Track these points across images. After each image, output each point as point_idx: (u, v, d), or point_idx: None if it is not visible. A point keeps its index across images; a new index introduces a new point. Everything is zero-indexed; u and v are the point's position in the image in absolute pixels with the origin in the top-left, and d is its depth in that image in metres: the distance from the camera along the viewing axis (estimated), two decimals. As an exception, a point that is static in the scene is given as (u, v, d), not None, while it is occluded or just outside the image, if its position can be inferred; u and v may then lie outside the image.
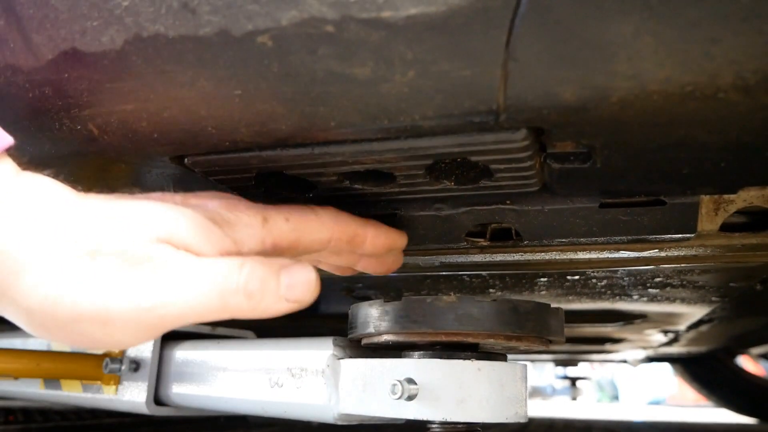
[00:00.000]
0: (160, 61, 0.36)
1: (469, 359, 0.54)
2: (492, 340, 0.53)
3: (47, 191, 0.37)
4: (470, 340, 0.54)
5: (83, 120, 0.42)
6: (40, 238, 0.36)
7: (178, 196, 0.43)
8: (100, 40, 0.36)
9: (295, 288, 0.40)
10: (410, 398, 0.52)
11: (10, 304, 0.36)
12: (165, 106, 0.39)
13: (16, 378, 0.83)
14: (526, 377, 0.57)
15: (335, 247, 0.49)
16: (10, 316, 0.37)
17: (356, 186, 0.49)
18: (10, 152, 0.37)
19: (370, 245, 0.51)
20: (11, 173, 0.37)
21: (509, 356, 0.61)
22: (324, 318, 1.22)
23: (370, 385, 0.57)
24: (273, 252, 0.45)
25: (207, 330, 0.85)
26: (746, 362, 2.54)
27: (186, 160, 0.45)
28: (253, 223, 0.43)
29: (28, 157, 0.47)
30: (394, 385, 0.53)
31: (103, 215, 0.38)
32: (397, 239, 0.53)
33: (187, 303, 0.37)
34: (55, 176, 0.49)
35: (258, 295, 0.39)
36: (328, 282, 0.81)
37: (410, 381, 0.53)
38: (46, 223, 0.36)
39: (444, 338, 0.54)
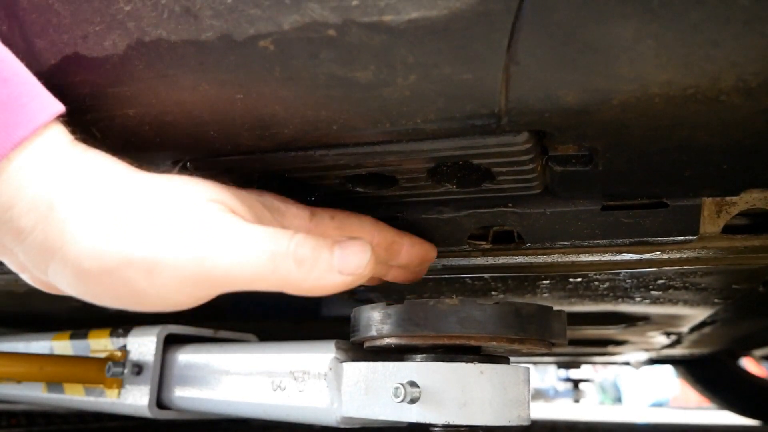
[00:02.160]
0: (162, 66, 0.36)
1: (471, 362, 0.54)
2: (494, 343, 0.53)
3: (103, 157, 0.39)
4: (473, 343, 0.54)
5: (85, 124, 0.42)
6: (94, 192, 0.37)
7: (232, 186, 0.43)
8: (102, 44, 0.36)
9: (348, 259, 0.39)
10: (413, 401, 0.52)
11: (59, 256, 0.36)
12: (167, 111, 0.39)
13: (18, 382, 0.83)
14: (528, 380, 0.57)
15: (375, 254, 0.47)
16: (55, 271, 0.37)
17: (358, 189, 0.49)
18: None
19: (406, 255, 0.52)
20: (66, 138, 0.37)
21: (512, 359, 0.61)
22: (326, 321, 1.22)
23: (372, 389, 0.57)
24: None
25: (209, 333, 0.85)
26: (749, 364, 2.53)
27: (188, 164, 0.45)
28: (302, 214, 0.45)
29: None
30: (397, 388, 0.53)
31: (158, 181, 0.39)
32: (430, 251, 0.54)
33: (237, 259, 0.37)
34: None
35: (309, 262, 0.38)
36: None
37: (413, 384, 0.53)
38: (101, 180, 0.37)
39: (446, 341, 0.54)
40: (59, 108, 0.37)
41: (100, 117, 0.41)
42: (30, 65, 0.38)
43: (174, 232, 0.37)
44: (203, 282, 0.37)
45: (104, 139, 0.43)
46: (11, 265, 0.40)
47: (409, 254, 0.52)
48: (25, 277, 0.41)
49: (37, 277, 0.40)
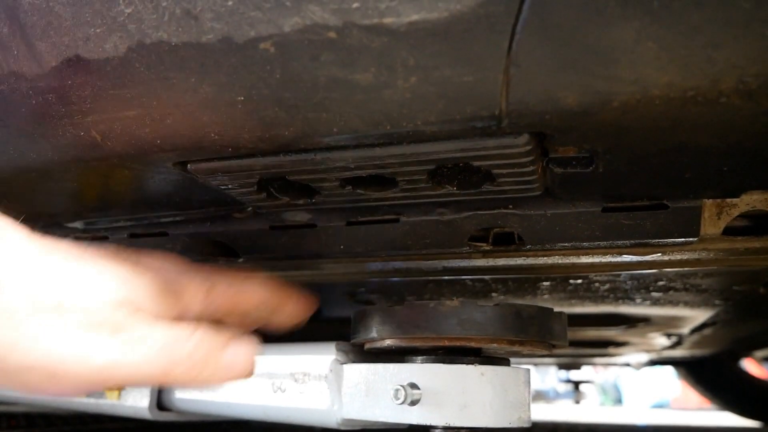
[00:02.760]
0: (163, 68, 0.36)
1: (472, 364, 0.54)
2: (495, 344, 0.53)
3: (8, 237, 0.38)
4: (473, 344, 0.54)
5: (86, 126, 0.42)
6: (2, 286, 0.36)
7: (132, 254, 0.45)
8: (103, 47, 0.36)
9: (238, 364, 0.44)
10: (413, 403, 0.52)
11: None
12: (168, 113, 0.39)
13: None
14: (529, 382, 0.57)
15: (264, 309, 0.53)
16: None
17: (359, 191, 0.49)
18: None
19: (291, 309, 0.55)
20: None
21: (512, 360, 0.61)
22: (326, 322, 1.22)
23: (373, 390, 0.57)
24: (215, 314, 0.48)
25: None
26: (750, 365, 2.53)
27: (189, 166, 0.45)
28: (200, 290, 0.47)
29: (29, 163, 0.48)
30: (397, 390, 0.53)
31: (67, 273, 0.39)
32: (313, 306, 0.57)
33: (134, 367, 0.39)
34: (58, 183, 0.49)
35: (200, 366, 0.42)
36: (330, 286, 0.81)
37: (413, 386, 0.53)
38: (7, 269, 0.37)
39: (447, 343, 0.54)
40: None
41: (100, 119, 0.41)
42: (31, 68, 0.39)
43: (80, 340, 0.38)
44: (99, 384, 0.39)
45: (105, 142, 0.43)
46: None
47: (295, 309, 0.55)
48: None
49: None
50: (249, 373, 0.45)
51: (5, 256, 0.37)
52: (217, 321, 0.52)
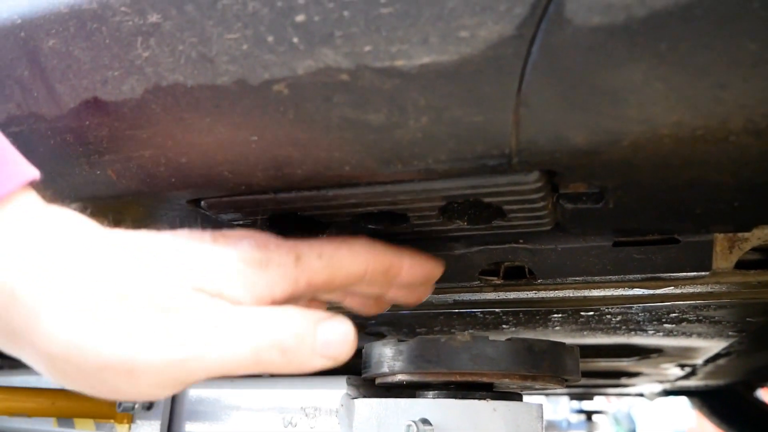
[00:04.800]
0: (179, 109, 0.37)
1: (484, 399, 0.53)
2: (507, 379, 0.53)
3: (75, 228, 0.35)
4: (485, 379, 0.54)
5: (102, 165, 0.42)
6: (65, 276, 0.33)
7: (208, 235, 0.41)
8: (120, 89, 0.37)
9: (331, 344, 0.39)
10: (425, 439, 0.52)
11: (29, 346, 0.34)
12: (183, 152, 0.40)
13: (30, 416, 0.83)
14: (542, 416, 0.56)
15: (370, 280, 0.46)
16: (28, 360, 0.35)
17: (369, 226, 0.49)
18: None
19: (407, 275, 0.47)
20: (35, 207, 0.34)
21: (524, 391, 0.60)
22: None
23: (384, 425, 0.56)
24: (307, 290, 0.43)
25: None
26: (766, 395, 2.49)
27: (202, 203, 0.46)
28: (286, 262, 0.41)
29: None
30: (409, 425, 0.52)
31: (135, 257, 0.36)
32: (434, 268, 0.50)
33: (219, 357, 0.36)
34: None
35: (293, 350, 0.38)
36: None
37: (425, 421, 0.53)
38: (72, 261, 0.34)
39: (459, 378, 0.54)
40: (31, 175, 0.34)
41: (117, 158, 0.41)
42: (50, 109, 0.39)
43: (155, 331, 0.34)
44: (184, 380, 0.36)
45: (120, 180, 0.43)
46: None
47: (411, 274, 0.47)
48: None
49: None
50: (347, 355, 0.40)
51: (75, 247, 0.35)
52: (314, 301, 0.47)
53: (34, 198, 0.35)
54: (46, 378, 0.36)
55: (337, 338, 0.39)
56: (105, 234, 0.36)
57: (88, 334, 0.33)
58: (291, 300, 0.42)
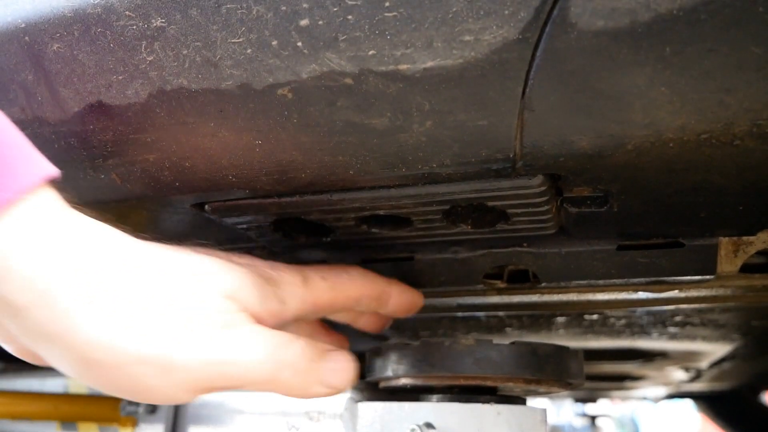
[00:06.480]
0: (183, 113, 0.37)
1: (488, 403, 0.53)
2: (511, 383, 0.53)
3: (107, 234, 0.36)
4: (489, 383, 0.53)
5: (107, 169, 0.42)
6: (102, 278, 0.34)
7: (223, 254, 0.43)
8: (125, 93, 0.37)
9: (335, 374, 0.43)
10: (429, 443, 0.52)
11: (60, 345, 0.34)
12: (187, 156, 0.40)
13: (33, 420, 0.83)
14: (545, 420, 0.56)
15: (364, 305, 0.50)
16: (54, 357, 0.35)
17: (373, 230, 0.49)
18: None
19: (394, 304, 0.52)
20: (60, 206, 0.35)
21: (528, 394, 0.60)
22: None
23: (388, 429, 0.56)
24: (312, 309, 0.46)
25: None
26: (771, 399, 2.48)
27: (206, 206, 0.46)
28: (296, 281, 0.44)
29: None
30: (413, 429, 0.52)
31: (171, 264, 0.37)
32: (417, 299, 0.54)
33: (246, 366, 0.38)
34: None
35: (303, 373, 0.40)
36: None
37: (429, 425, 0.53)
38: (105, 259, 0.35)
39: (462, 382, 0.53)
40: (51, 171, 0.34)
41: (121, 162, 0.41)
42: (54, 113, 0.39)
43: (192, 331, 0.36)
44: (211, 383, 0.37)
45: (124, 184, 0.43)
46: None
47: (398, 303, 0.53)
48: (10, 348, 0.39)
49: (27, 350, 0.38)
50: (346, 386, 0.44)
51: (110, 251, 0.35)
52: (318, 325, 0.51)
53: (55, 196, 0.35)
54: (68, 373, 0.36)
55: (341, 369, 0.43)
56: (134, 240, 0.38)
57: (123, 330, 0.34)
58: (298, 318, 0.45)
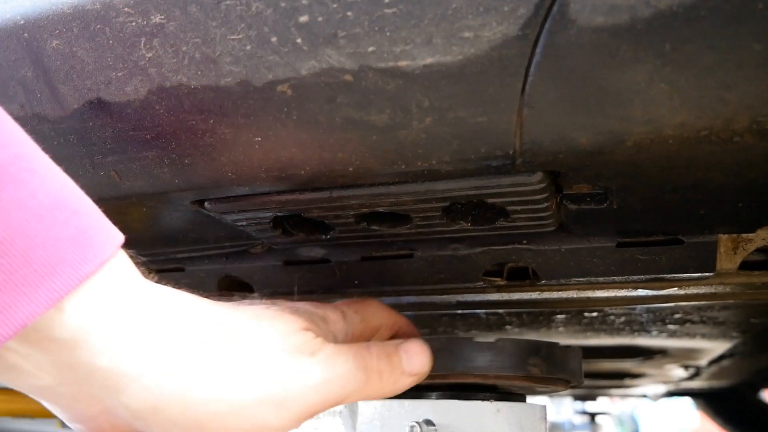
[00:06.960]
0: (182, 110, 0.37)
1: (488, 400, 0.53)
2: (510, 381, 0.53)
3: (188, 302, 0.38)
4: (489, 381, 0.54)
5: (106, 166, 0.42)
6: (196, 340, 0.36)
7: (280, 301, 0.46)
8: (124, 90, 0.37)
9: (414, 361, 0.46)
10: (429, 440, 0.52)
11: (173, 411, 0.35)
12: (186, 153, 0.40)
13: (33, 418, 0.83)
14: (545, 418, 0.56)
15: (384, 335, 0.53)
16: (158, 426, 0.35)
17: (373, 227, 0.49)
18: None
19: (403, 333, 0.55)
20: (134, 274, 0.35)
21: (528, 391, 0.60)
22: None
23: (387, 426, 0.56)
24: (350, 341, 0.49)
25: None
26: (770, 397, 2.48)
27: (206, 204, 0.46)
28: (338, 318, 0.48)
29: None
30: (413, 426, 0.52)
31: (252, 315, 0.40)
32: (417, 332, 0.57)
33: (343, 381, 0.41)
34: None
35: (387, 372, 0.44)
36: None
37: (429, 422, 0.53)
38: (196, 326, 0.37)
39: (462, 379, 0.54)
40: (121, 238, 0.34)
41: (120, 159, 0.41)
42: (53, 110, 0.39)
43: (291, 364, 0.39)
44: (321, 405, 0.40)
45: (124, 181, 0.43)
46: (60, 407, 0.36)
47: (406, 333, 0.55)
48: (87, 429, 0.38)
49: (116, 427, 0.37)
50: (429, 368, 0.47)
51: (198, 315, 0.37)
52: None
53: (127, 261, 0.36)
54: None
55: (418, 354, 0.46)
56: (209, 301, 0.39)
57: (238, 381, 0.37)
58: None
